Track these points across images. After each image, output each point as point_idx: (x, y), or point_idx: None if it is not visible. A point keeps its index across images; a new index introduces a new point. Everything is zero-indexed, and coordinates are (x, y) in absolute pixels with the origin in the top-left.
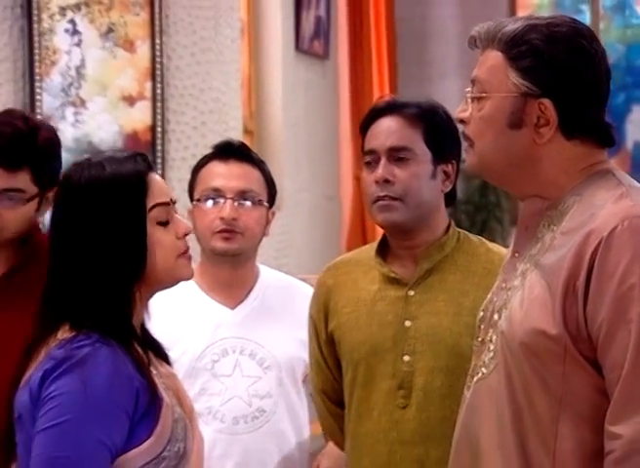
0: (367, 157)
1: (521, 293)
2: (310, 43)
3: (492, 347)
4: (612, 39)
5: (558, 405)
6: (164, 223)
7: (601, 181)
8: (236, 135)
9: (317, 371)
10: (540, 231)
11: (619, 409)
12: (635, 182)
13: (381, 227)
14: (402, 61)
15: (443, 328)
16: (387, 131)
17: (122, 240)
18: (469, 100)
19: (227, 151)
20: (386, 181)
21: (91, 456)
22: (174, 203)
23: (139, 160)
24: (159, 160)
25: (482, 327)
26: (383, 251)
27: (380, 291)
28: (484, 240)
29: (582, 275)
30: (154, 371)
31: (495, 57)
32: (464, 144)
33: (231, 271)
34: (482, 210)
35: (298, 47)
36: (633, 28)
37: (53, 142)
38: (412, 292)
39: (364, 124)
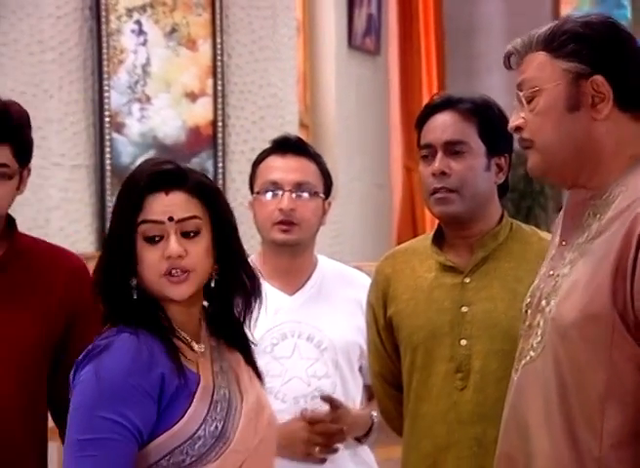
0: (423, 151)
1: (571, 280)
2: (362, 40)
3: (539, 332)
4: None
5: (605, 385)
6: (151, 240)
7: None
8: (292, 128)
9: (375, 356)
10: (585, 220)
11: None
12: None
13: (438, 219)
14: (450, 56)
15: (498, 312)
16: (443, 125)
17: (115, 247)
18: (519, 108)
19: (285, 146)
20: (443, 174)
21: (108, 437)
22: (177, 221)
23: (156, 178)
24: (220, 153)
25: (529, 312)
26: (439, 240)
27: (437, 278)
28: (536, 229)
29: (631, 255)
30: (215, 359)
31: (537, 56)
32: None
33: (290, 260)
34: (527, 197)
35: (350, 44)
36: None
37: (26, 117)
38: (468, 280)
39: (420, 119)
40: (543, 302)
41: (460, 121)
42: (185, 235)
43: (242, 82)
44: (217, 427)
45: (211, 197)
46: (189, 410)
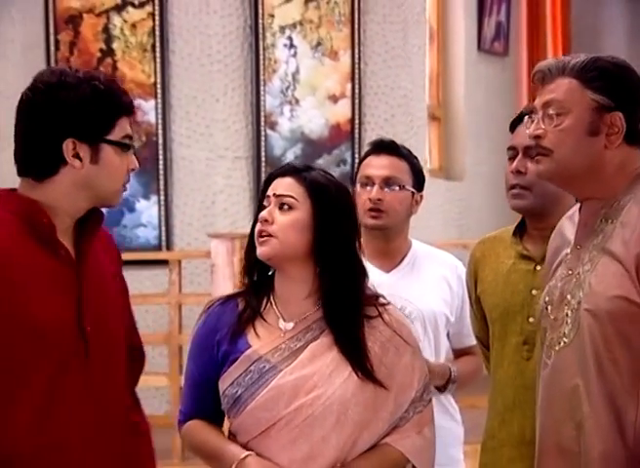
0: (509, 152)
1: (596, 274)
2: (491, 44)
3: (568, 321)
4: None
5: (638, 358)
6: (263, 209)
7: None
8: (421, 124)
9: (473, 321)
10: (598, 226)
11: None
12: None
13: (519, 213)
14: (576, 52)
15: None
16: (526, 131)
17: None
18: (542, 120)
19: (379, 147)
20: (519, 172)
21: (189, 378)
22: (277, 196)
23: (284, 168)
24: (356, 146)
25: (550, 308)
26: (522, 231)
27: (515, 264)
28: None
29: None
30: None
31: (568, 82)
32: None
33: (384, 243)
34: None
35: (480, 47)
36: None
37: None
38: (539, 267)
39: (513, 123)
40: (569, 296)
41: None
42: (281, 207)
43: (376, 85)
44: (237, 392)
45: (318, 190)
46: (225, 372)
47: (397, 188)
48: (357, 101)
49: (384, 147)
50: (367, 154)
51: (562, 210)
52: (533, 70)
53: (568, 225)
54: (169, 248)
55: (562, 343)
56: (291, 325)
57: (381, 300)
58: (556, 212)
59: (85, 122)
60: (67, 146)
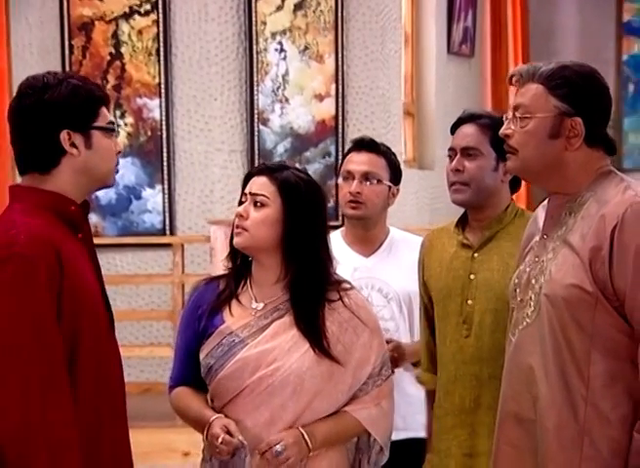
0: (449, 152)
1: (556, 263)
2: (459, 47)
3: (532, 303)
4: None
5: (590, 341)
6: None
7: (608, 179)
8: (397, 119)
9: (421, 305)
10: (562, 218)
11: None
12: (631, 179)
13: (456, 205)
14: (533, 54)
15: (494, 280)
16: (464, 134)
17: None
18: (512, 121)
19: (360, 144)
20: (458, 170)
21: (177, 348)
22: (251, 194)
23: (260, 167)
24: (340, 140)
25: (518, 290)
26: (464, 222)
27: (456, 252)
28: None
29: (606, 247)
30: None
31: (535, 88)
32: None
33: (363, 231)
34: None
35: (449, 50)
36: None
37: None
38: (476, 255)
39: (452, 128)
40: (533, 281)
41: (476, 132)
42: (255, 204)
43: (357, 85)
44: (210, 362)
45: (289, 189)
46: (203, 344)
47: (375, 182)
48: (340, 100)
49: (364, 145)
50: (349, 151)
51: (497, 203)
52: (509, 73)
53: (541, 214)
54: (172, 232)
55: (525, 323)
56: (261, 305)
57: (345, 285)
58: (492, 204)
59: (74, 113)
60: (64, 137)
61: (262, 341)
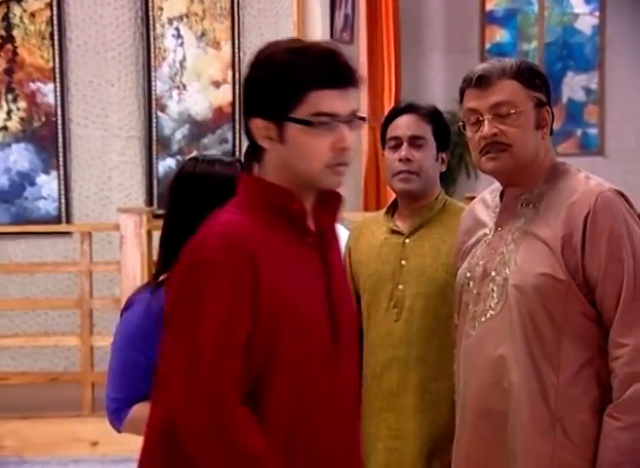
0: (391, 142)
1: (521, 253)
2: (341, 34)
3: (494, 295)
4: (553, 23)
5: (560, 329)
6: None
7: (562, 170)
8: None
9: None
10: (519, 210)
11: (623, 325)
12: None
13: (397, 194)
14: (404, 41)
15: (426, 265)
16: (407, 123)
17: None
18: (494, 120)
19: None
20: (408, 160)
21: (128, 366)
22: None
23: (237, 165)
24: (237, 126)
25: (472, 284)
26: (394, 210)
27: (387, 239)
28: (464, 206)
29: (578, 235)
30: None
31: (511, 84)
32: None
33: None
34: (459, 146)
35: (332, 37)
36: (568, 15)
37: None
38: (407, 241)
39: (388, 118)
40: (493, 273)
41: (420, 121)
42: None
43: None
44: None
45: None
46: None
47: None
48: (237, 87)
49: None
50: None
51: (433, 192)
52: (474, 75)
53: (480, 208)
54: (68, 219)
55: (488, 315)
56: None
57: None
58: (429, 194)
59: (265, 99)
60: (256, 125)
61: None
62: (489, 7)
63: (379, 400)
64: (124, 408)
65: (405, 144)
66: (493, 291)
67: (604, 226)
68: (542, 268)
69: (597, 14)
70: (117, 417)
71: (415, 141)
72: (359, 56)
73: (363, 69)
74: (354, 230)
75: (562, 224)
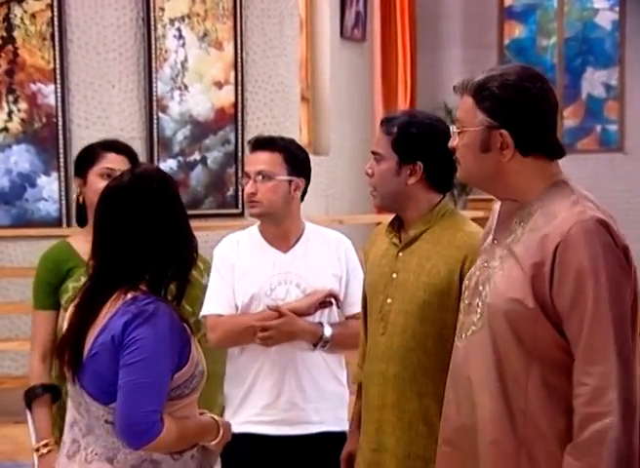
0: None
1: (501, 273)
2: (351, 32)
3: (478, 310)
4: (572, 18)
5: (529, 356)
6: None
7: (558, 190)
8: (295, 106)
9: (362, 300)
10: (512, 226)
11: (584, 363)
12: (583, 190)
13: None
14: (420, 36)
15: (409, 282)
16: (376, 139)
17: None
18: (455, 133)
19: (254, 144)
20: (368, 175)
21: (163, 380)
22: None
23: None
24: (239, 127)
25: (467, 293)
26: (400, 221)
27: (386, 250)
28: (467, 221)
29: (548, 264)
30: None
31: (467, 101)
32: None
33: (275, 227)
34: None
35: (342, 35)
36: (588, 10)
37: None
38: (401, 254)
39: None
40: (480, 287)
41: (381, 136)
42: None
43: (256, 73)
44: (203, 368)
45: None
46: (191, 356)
47: (268, 180)
48: (240, 88)
49: (259, 144)
50: (249, 151)
51: (414, 205)
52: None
53: (495, 213)
54: (69, 221)
55: (471, 330)
56: None
57: None
58: (409, 207)
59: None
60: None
61: None
62: (508, 2)
63: (363, 411)
64: (161, 420)
65: (372, 160)
66: (478, 305)
67: (573, 259)
68: (514, 293)
69: (617, 9)
70: (155, 430)
71: (375, 156)
72: (371, 53)
73: (377, 68)
74: (372, 236)
75: (536, 251)
